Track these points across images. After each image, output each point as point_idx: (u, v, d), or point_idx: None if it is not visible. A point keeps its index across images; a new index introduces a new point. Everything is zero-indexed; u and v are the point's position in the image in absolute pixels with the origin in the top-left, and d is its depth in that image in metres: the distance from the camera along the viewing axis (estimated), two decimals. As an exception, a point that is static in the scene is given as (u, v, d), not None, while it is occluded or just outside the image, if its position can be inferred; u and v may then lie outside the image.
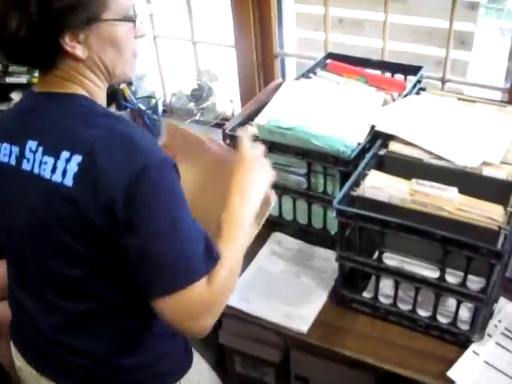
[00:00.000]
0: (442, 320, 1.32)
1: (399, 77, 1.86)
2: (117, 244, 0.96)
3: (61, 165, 0.96)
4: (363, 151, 1.45)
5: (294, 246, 1.61)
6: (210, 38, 2.33)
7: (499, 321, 1.37)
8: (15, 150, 1.03)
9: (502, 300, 1.43)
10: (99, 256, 1.01)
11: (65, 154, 0.96)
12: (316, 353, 1.56)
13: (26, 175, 1.01)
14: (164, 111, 2.33)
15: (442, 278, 1.24)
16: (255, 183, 1.11)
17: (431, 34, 2.33)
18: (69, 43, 0.96)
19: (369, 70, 1.87)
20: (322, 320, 1.40)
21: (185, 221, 0.97)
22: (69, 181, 0.95)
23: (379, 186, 1.31)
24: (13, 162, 1.03)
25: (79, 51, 0.98)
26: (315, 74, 1.83)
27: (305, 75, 1.81)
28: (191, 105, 2.20)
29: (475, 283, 1.25)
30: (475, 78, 2.34)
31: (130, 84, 2.10)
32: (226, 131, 1.56)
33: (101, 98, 1.08)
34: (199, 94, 2.18)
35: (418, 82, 1.77)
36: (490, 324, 1.36)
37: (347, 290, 1.41)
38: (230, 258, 1.01)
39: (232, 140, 1.56)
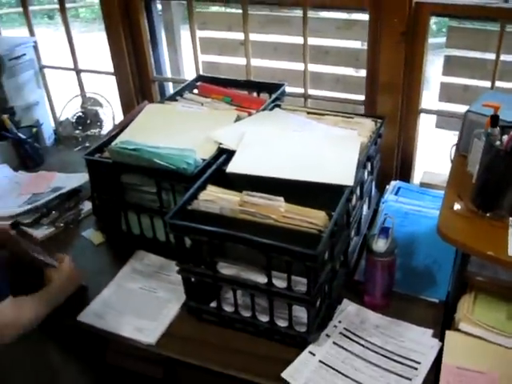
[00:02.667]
0: (282, 324, 1.38)
1: (265, 95, 1.95)
2: None
3: None
4: (209, 167, 1.51)
5: (155, 262, 1.66)
6: (95, 67, 2.39)
7: (339, 321, 1.44)
8: None
9: (346, 301, 1.51)
10: None
11: None
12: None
13: None
14: (56, 140, 2.38)
15: (269, 283, 1.30)
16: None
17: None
18: None
19: (238, 91, 1.96)
20: (173, 332, 1.44)
21: None
22: None
23: (212, 199, 1.38)
24: None
25: None
26: (182, 96, 1.90)
27: (172, 98, 1.88)
28: (77, 132, 2.25)
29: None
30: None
31: (12, 114, 2.13)
32: (84, 156, 1.61)
33: None
34: (84, 121, 2.23)
35: (277, 98, 1.85)
36: (330, 325, 1.43)
37: (194, 301, 1.46)
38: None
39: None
